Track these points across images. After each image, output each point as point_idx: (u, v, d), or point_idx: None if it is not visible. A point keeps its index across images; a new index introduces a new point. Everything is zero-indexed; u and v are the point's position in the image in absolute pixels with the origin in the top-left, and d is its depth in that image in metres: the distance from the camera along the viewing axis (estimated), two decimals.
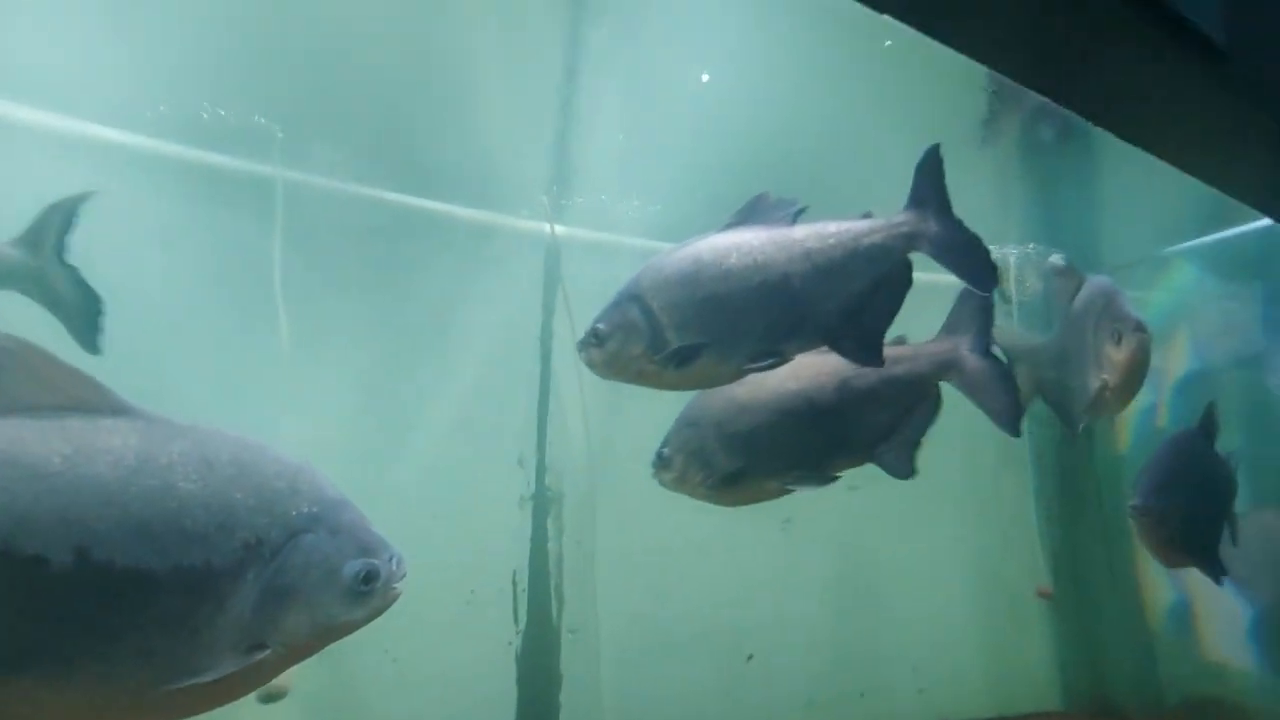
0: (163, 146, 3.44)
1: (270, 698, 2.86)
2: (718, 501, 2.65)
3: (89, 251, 3.09)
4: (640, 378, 2.41)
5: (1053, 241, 5.32)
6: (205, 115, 3.51)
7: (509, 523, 4.01)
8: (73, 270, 2.75)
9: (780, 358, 2.38)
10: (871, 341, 2.39)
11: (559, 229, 4.44)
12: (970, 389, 2.63)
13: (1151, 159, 2.41)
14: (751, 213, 2.48)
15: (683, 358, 2.31)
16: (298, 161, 3.70)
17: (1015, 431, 2.55)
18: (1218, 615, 4.53)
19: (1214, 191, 2.64)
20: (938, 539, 4.89)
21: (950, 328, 2.70)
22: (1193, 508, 3.12)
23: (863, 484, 4.73)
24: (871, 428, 2.64)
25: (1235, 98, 2.08)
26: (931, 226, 2.40)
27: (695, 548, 4.20)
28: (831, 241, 2.40)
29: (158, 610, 1.32)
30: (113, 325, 2.92)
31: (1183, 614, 4.72)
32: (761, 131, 4.33)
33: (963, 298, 2.75)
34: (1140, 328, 3.38)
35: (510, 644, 3.87)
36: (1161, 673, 4.82)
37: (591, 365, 2.41)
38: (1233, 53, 1.96)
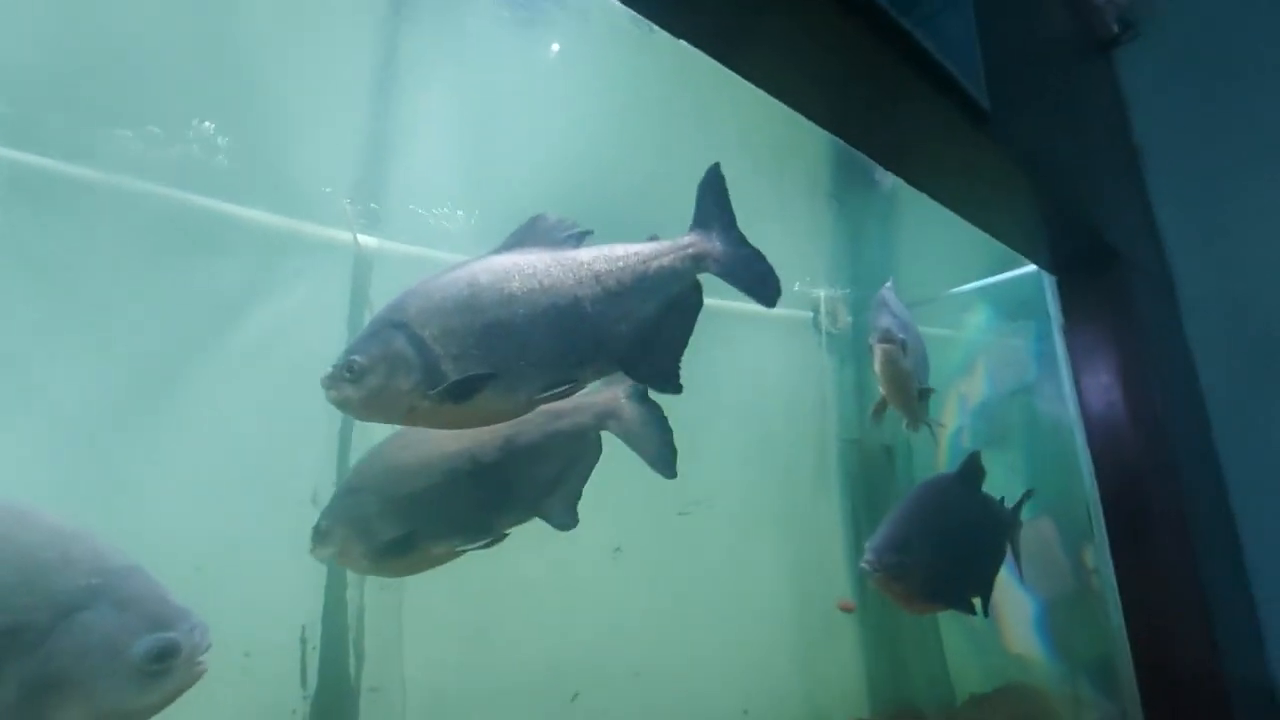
0: None
1: None
2: (381, 573, 2.53)
3: None
4: (409, 416, 2.15)
5: (860, 280, 5.74)
6: None
7: (297, 570, 3.59)
8: None
9: (575, 384, 2.26)
10: (668, 368, 2.31)
11: (371, 241, 4.13)
12: (628, 436, 2.60)
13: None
14: (528, 235, 2.35)
15: (464, 391, 2.10)
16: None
17: (670, 474, 2.52)
18: (1014, 612, 5.02)
19: (980, 238, 2.90)
20: (759, 561, 5.03)
21: (609, 380, 2.61)
22: (936, 558, 2.93)
23: (691, 509, 4.84)
24: (537, 482, 2.56)
25: (997, 154, 2.28)
26: (717, 246, 2.38)
27: (521, 585, 3.99)
28: (620, 264, 2.32)
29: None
30: None
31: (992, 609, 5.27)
32: (588, 152, 4.30)
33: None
34: (886, 338, 3.56)
35: (294, 712, 3.42)
36: (952, 672, 5.25)
37: (344, 405, 2.11)
38: (994, 114, 2.14)
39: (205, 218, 3.73)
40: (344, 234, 4.15)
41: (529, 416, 2.31)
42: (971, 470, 3.40)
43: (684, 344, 2.34)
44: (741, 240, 2.40)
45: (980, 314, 5.67)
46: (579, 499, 2.58)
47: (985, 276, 5.44)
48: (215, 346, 3.64)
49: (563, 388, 2.20)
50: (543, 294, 2.21)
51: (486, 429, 2.42)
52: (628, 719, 4.37)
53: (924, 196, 2.55)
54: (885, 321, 3.61)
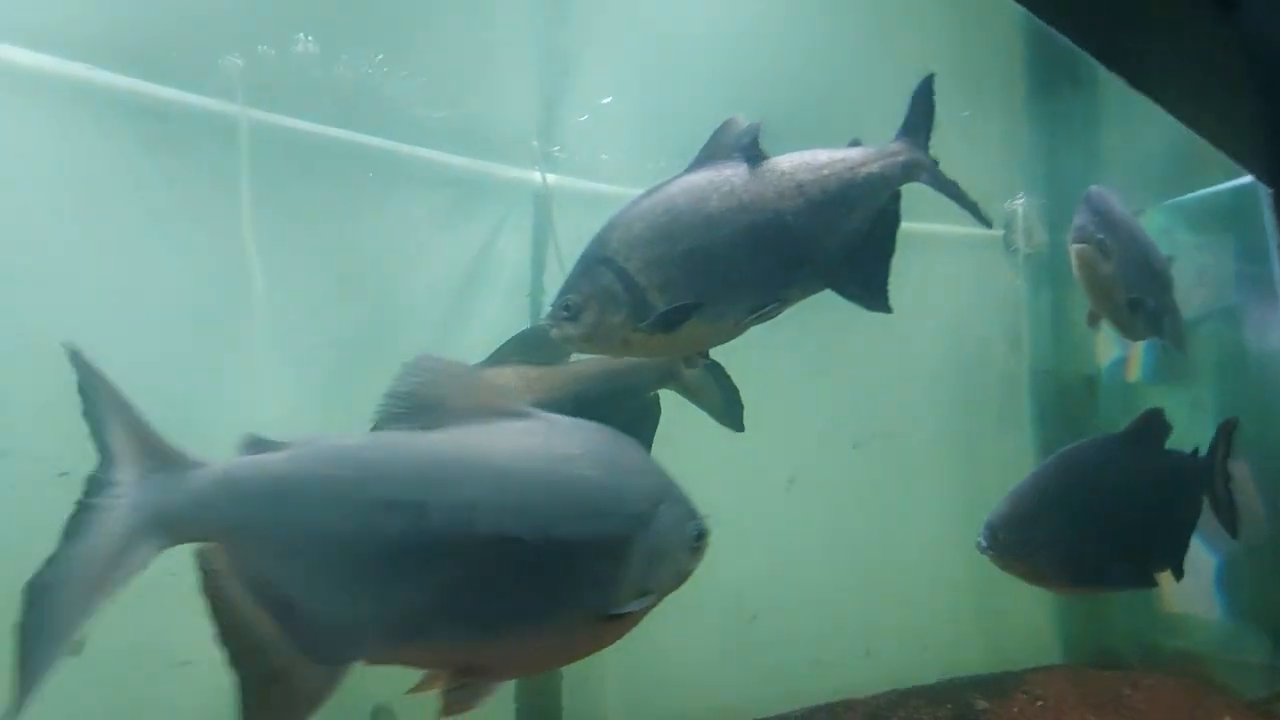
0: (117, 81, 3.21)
1: None
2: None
3: (34, 203, 2.96)
4: (625, 348, 2.21)
5: (1057, 194, 5.15)
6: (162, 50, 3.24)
7: None
8: None
9: (781, 304, 2.18)
10: (878, 284, 2.19)
11: (550, 178, 4.21)
12: (691, 395, 2.61)
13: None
14: (721, 142, 2.23)
15: (671, 322, 2.10)
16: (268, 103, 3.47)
17: (739, 428, 2.58)
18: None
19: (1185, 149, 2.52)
20: (939, 496, 4.86)
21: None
22: (1074, 534, 2.58)
23: (867, 443, 4.72)
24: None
25: (1240, 48, 1.96)
26: (923, 155, 2.30)
27: (703, 509, 4.17)
28: (825, 172, 2.18)
29: (581, 569, 1.68)
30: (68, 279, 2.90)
31: None
32: (766, 69, 4.13)
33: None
34: (1080, 237, 3.15)
35: None
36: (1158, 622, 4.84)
37: (568, 341, 2.22)
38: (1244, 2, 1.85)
39: (393, 160, 3.97)
40: (527, 173, 4.28)
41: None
42: (1148, 429, 2.96)
43: (889, 260, 2.23)
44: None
45: (1172, 229, 4.94)
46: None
47: (1185, 190, 4.68)
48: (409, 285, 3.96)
49: (769, 308, 2.15)
50: (742, 212, 2.12)
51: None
52: (802, 643, 4.49)
53: (1127, 103, 2.24)
54: (1081, 219, 3.20)
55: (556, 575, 1.64)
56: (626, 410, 2.51)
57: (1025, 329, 5.29)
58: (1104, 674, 4.70)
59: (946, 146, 2.39)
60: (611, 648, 4.24)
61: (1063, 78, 4.63)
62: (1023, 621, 5.04)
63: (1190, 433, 4.75)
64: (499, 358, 2.36)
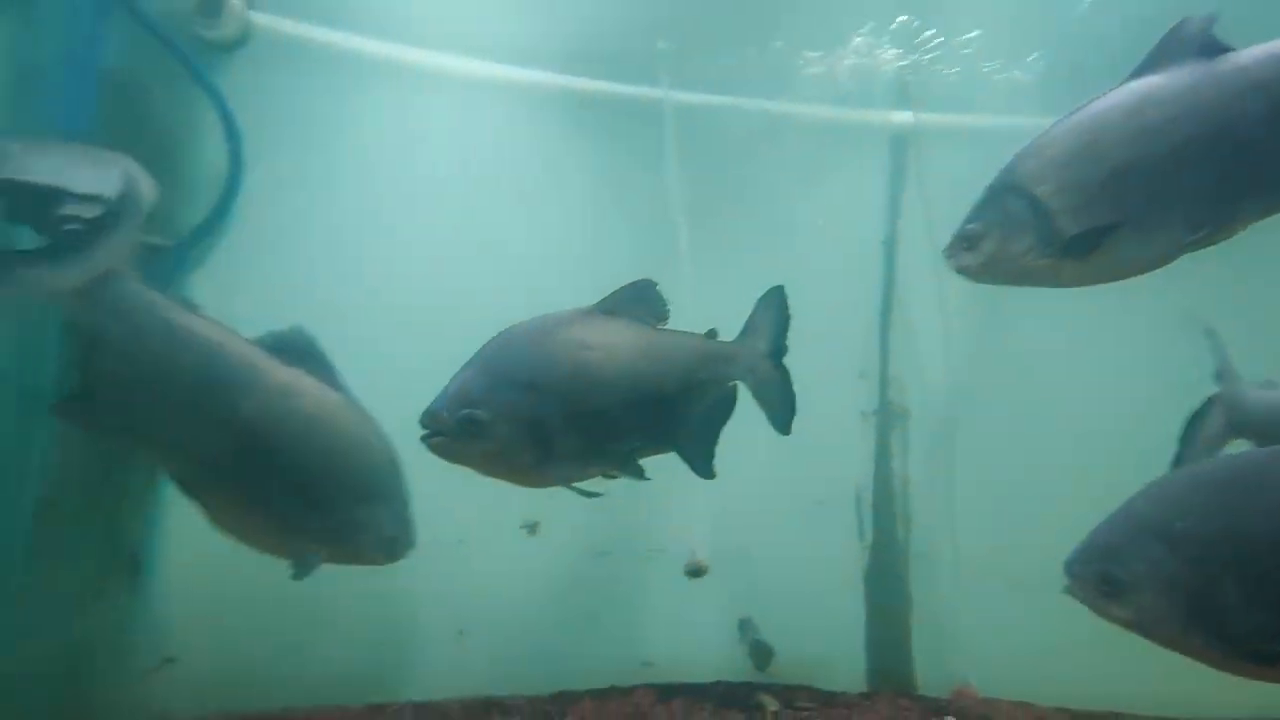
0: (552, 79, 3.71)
1: (697, 572, 3.31)
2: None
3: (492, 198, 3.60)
4: (1025, 278, 2.09)
5: None
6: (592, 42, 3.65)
7: (850, 438, 3.89)
8: None
9: (1230, 226, 1.88)
10: None
11: (907, 117, 3.98)
12: (759, 391, 2.48)
13: None
14: (1168, 51, 1.93)
15: (1085, 245, 1.93)
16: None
17: (787, 432, 2.49)
18: None
19: None
20: None
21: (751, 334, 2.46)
22: (1195, 573, 1.66)
23: None
24: None
25: None
26: None
27: (1069, 474, 3.63)
28: None
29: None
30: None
31: None
32: None
33: None
34: None
35: (858, 560, 3.80)
36: None
37: (964, 272, 2.14)
38: None
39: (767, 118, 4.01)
40: (885, 115, 4.06)
41: None
42: None
43: None
44: None
45: None
46: None
47: None
48: (774, 239, 3.98)
49: (1207, 232, 1.86)
50: (1184, 120, 1.86)
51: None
52: None
53: None
54: None
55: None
56: (707, 397, 2.40)
57: None
58: None
59: None
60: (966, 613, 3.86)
61: None
62: None
63: None
64: (610, 304, 2.31)
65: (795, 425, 3.64)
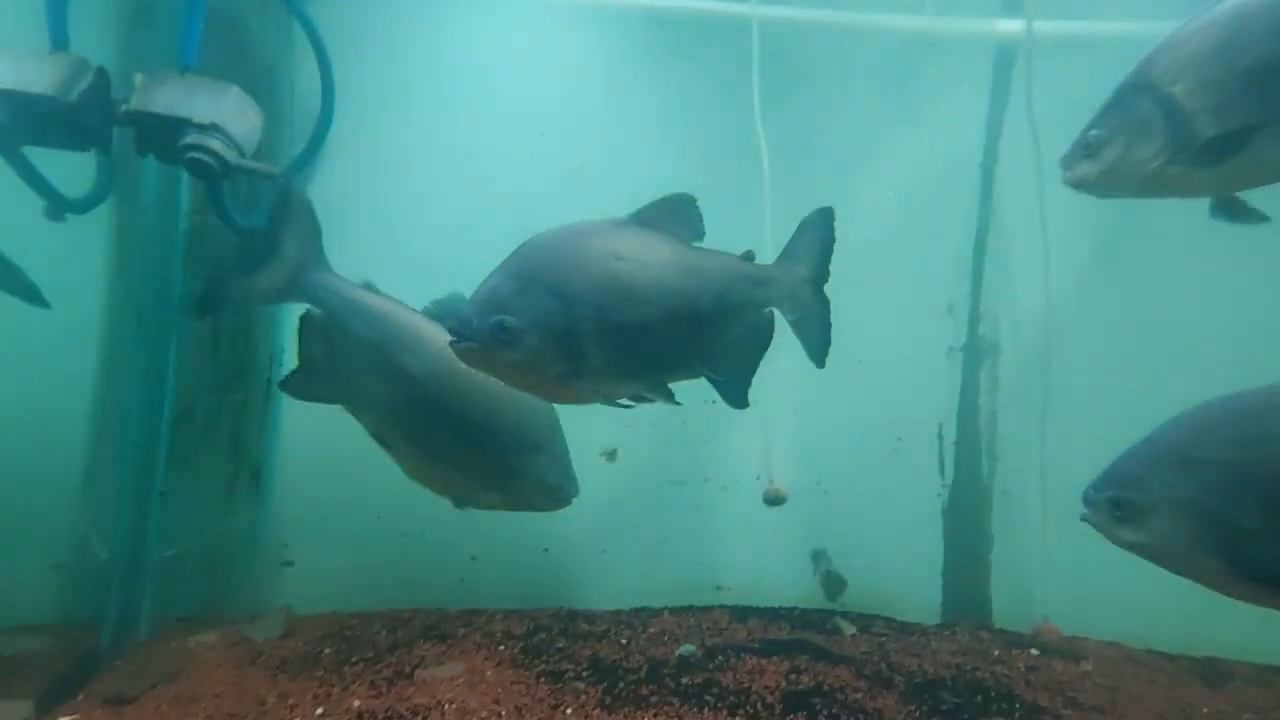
0: None
1: (775, 501, 3.39)
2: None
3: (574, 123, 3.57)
4: (1153, 187, 1.95)
5: None
6: None
7: (935, 374, 3.79)
8: None
9: None
10: None
11: (1012, 25, 3.68)
12: (798, 320, 2.40)
13: None
14: None
15: (1222, 149, 1.80)
16: None
17: (822, 364, 2.37)
18: None
19: None
20: None
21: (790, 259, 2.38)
22: (1215, 501, 1.65)
23: None
24: None
25: None
26: None
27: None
28: None
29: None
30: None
31: None
32: None
33: None
34: None
35: (938, 496, 3.76)
36: None
37: (1082, 184, 2.02)
38: None
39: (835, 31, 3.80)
40: (988, 24, 3.78)
41: None
42: None
43: None
44: None
45: None
46: None
47: None
48: (858, 161, 3.80)
49: None
50: None
51: None
52: None
53: None
54: None
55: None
56: (743, 322, 2.31)
57: None
58: None
59: None
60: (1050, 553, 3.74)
61: None
62: None
63: None
64: (645, 217, 2.21)
65: (877, 359, 3.61)
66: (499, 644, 2.93)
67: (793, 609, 3.51)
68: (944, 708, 2.56)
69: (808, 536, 3.70)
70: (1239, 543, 1.67)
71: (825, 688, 2.60)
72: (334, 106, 3.17)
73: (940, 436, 3.77)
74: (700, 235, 2.24)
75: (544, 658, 2.82)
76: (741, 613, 3.42)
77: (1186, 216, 2.18)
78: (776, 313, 2.37)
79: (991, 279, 3.81)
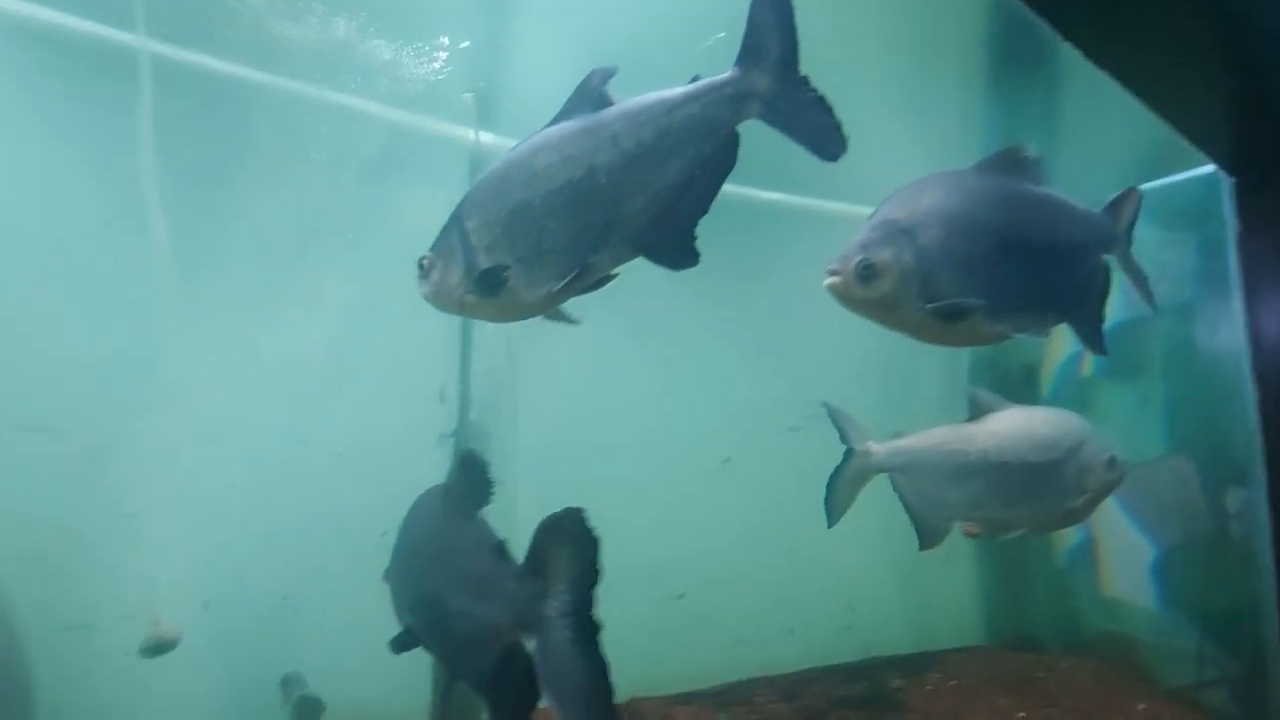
0: None
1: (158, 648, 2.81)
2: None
3: None
4: (469, 311, 2.10)
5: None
6: None
7: (425, 463, 3.79)
8: None
9: (587, 272, 1.93)
10: (681, 239, 1.88)
11: (487, 137, 4.03)
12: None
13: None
14: (581, 98, 1.99)
15: (488, 285, 1.96)
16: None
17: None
18: (1119, 554, 4.59)
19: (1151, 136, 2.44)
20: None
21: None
22: (933, 254, 2.16)
23: (803, 425, 4.67)
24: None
25: (1208, 21, 1.83)
26: (764, 83, 1.81)
27: (630, 489, 4.03)
28: (641, 120, 1.88)
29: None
30: None
31: (1085, 552, 4.83)
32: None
33: None
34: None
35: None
36: (1078, 607, 4.95)
37: (427, 300, 2.11)
38: None
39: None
40: (462, 130, 4.07)
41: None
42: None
43: (702, 212, 1.91)
44: (802, 81, 1.81)
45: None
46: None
47: (1150, 179, 4.68)
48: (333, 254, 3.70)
49: (571, 276, 1.92)
50: (560, 168, 1.92)
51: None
52: (727, 623, 4.45)
53: (1090, 84, 2.08)
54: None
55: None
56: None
57: None
58: (1021, 656, 4.79)
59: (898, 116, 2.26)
60: None
61: (1025, 52, 4.50)
62: (946, 604, 5.09)
63: (1139, 427, 4.79)
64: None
65: (359, 449, 3.43)
66: None
67: None
68: None
69: (277, 662, 3.26)
70: (936, 290, 2.16)
71: None
72: None
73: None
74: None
75: None
76: None
77: None
78: None
79: (480, 369, 4.01)
